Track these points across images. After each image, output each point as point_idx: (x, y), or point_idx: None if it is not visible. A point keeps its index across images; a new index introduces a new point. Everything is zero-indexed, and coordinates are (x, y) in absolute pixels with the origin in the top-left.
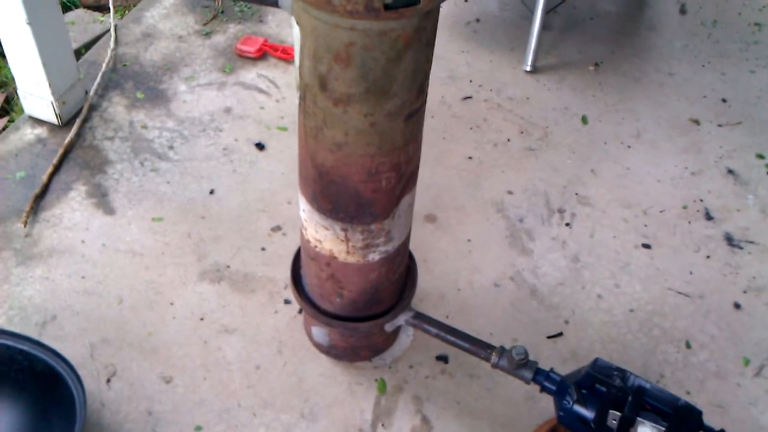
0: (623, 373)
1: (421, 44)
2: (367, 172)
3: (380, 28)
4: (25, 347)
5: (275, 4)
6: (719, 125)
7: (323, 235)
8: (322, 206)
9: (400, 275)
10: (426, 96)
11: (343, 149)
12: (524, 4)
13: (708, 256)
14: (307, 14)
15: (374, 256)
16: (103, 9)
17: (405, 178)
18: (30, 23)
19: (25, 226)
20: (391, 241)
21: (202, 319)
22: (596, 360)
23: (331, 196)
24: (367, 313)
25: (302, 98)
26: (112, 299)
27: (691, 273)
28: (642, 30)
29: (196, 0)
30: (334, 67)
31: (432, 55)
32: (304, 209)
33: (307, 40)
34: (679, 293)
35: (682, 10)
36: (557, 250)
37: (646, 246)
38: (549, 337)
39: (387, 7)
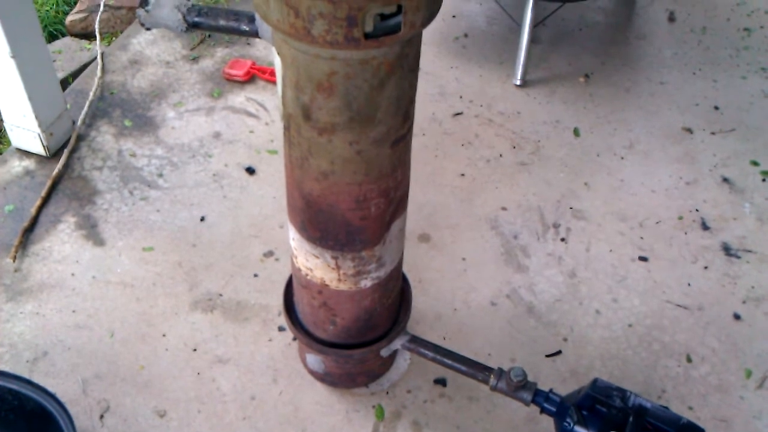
0: (623, 393)
1: (404, 71)
2: (355, 199)
3: (361, 56)
4: (15, 386)
5: (255, 35)
6: (712, 133)
7: (314, 264)
8: (311, 235)
9: (394, 299)
10: (412, 121)
11: (329, 178)
12: (512, 18)
13: (706, 267)
14: (287, 45)
15: (366, 283)
16: (90, 37)
17: (394, 203)
18: (14, 56)
19: (14, 261)
20: (383, 266)
21: (195, 349)
22: (596, 380)
23: (320, 224)
24: (362, 339)
25: (286, 128)
26: (104, 333)
27: (689, 285)
28: (631, 39)
29: None
30: (316, 97)
31: (416, 80)
32: (293, 238)
33: (289, 71)
34: (678, 306)
35: (671, 18)
36: (553, 266)
37: (643, 259)
38: (548, 356)
39: (367, 37)
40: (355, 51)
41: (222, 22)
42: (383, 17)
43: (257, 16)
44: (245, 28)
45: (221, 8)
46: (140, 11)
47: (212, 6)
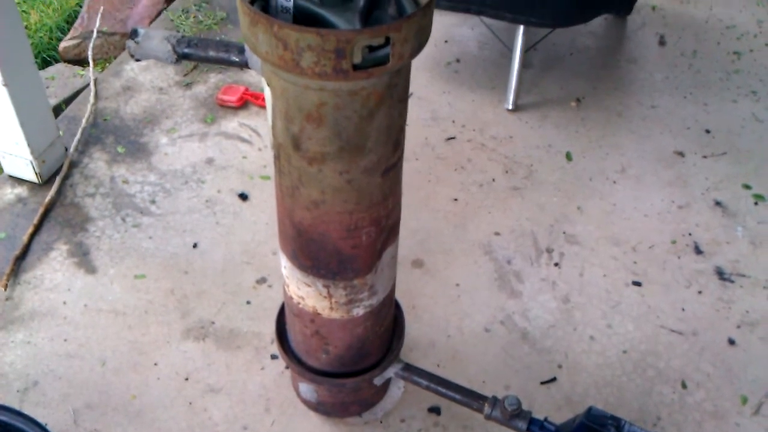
0: (618, 422)
1: (393, 101)
2: (346, 228)
3: (350, 87)
4: (4, 418)
5: (245, 66)
6: (704, 156)
7: (306, 292)
8: (302, 263)
9: (387, 327)
10: (402, 150)
11: (320, 207)
12: (503, 43)
13: (699, 292)
14: (276, 76)
15: (359, 311)
16: (84, 63)
17: (386, 231)
18: (6, 85)
19: (5, 289)
20: (375, 294)
21: (187, 378)
22: (590, 408)
23: (311, 253)
24: (355, 367)
25: (277, 157)
26: (95, 362)
27: (683, 309)
28: (622, 63)
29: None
30: (306, 127)
31: (406, 110)
32: (285, 266)
33: (278, 101)
34: (672, 331)
35: (662, 42)
36: (547, 292)
37: (637, 283)
38: (542, 383)
39: (356, 68)
40: (344, 82)
41: (212, 53)
42: (371, 49)
43: (247, 48)
44: (235, 59)
45: (211, 40)
46: (130, 43)
47: (202, 38)
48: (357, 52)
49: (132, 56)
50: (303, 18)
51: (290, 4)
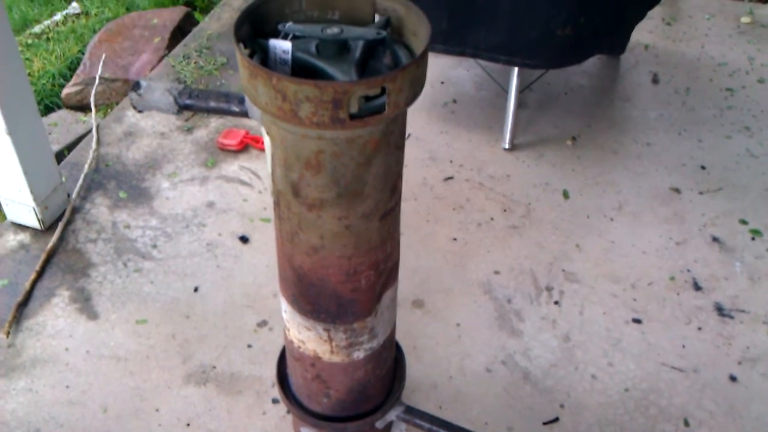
0: None
1: (390, 148)
2: (345, 273)
3: (348, 136)
4: None
5: (245, 115)
6: (700, 192)
7: (306, 336)
8: (303, 307)
9: (388, 369)
10: (400, 194)
11: (319, 252)
12: (498, 84)
13: (699, 328)
14: (275, 126)
15: (359, 354)
16: (86, 109)
17: (385, 275)
18: (10, 133)
19: (7, 337)
20: (376, 337)
21: (188, 425)
22: None
23: (311, 297)
24: (357, 411)
25: (276, 204)
26: (97, 408)
27: (683, 346)
28: (616, 101)
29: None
30: (305, 174)
31: (402, 156)
32: (285, 310)
33: (278, 150)
34: (674, 368)
35: (655, 80)
36: (548, 330)
37: (637, 321)
38: (545, 424)
39: (353, 117)
40: (341, 131)
41: (212, 104)
42: (368, 98)
43: (246, 98)
44: (235, 109)
45: (211, 91)
46: (132, 95)
47: (202, 89)
48: (353, 102)
49: (134, 107)
50: (301, 69)
51: (288, 56)
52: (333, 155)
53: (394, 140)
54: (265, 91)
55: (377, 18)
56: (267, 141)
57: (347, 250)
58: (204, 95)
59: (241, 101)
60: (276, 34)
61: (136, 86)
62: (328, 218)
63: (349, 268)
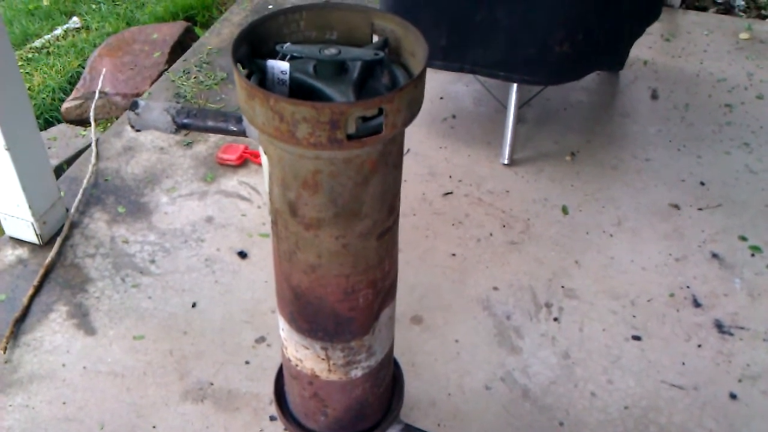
0: None
1: (387, 167)
2: (343, 291)
3: (345, 156)
4: None
5: (243, 134)
6: (699, 209)
7: (303, 354)
8: (300, 326)
9: (386, 387)
10: (398, 213)
11: (317, 271)
12: (497, 100)
13: (699, 345)
14: (273, 146)
15: (357, 373)
16: (86, 123)
17: (383, 293)
18: (8, 148)
19: (4, 352)
20: (373, 355)
21: None
22: None
23: (309, 316)
24: (354, 429)
25: (274, 223)
26: (94, 425)
27: (683, 364)
28: (616, 117)
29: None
30: (302, 194)
31: (400, 175)
32: (283, 329)
33: (275, 169)
34: (673, 386)
35: (654, 96)
36: (547, 347)
37: (637, 338)
38: None
39: (350, 138)
40: (338, 151)
41: (210, 123)
42: (365, 119)
43: (244, 117)
44: (233, 128)
45: (209, 110)
46: (130, 114)
47: (200, 108)
48: (351, 123)
49: (132, 127)
50: (299, 90)
51: (286, 77)
52: (330, 175)
53: (391, 160)
54: (262, 112)
55: (375, 38)
56: (264, 160)
57: (345, 269)
58: (202, 114)
59: (239, 120)
60: (274, 55)
61: (133, 106)
62: (326, 237)
63: (347, 286)
